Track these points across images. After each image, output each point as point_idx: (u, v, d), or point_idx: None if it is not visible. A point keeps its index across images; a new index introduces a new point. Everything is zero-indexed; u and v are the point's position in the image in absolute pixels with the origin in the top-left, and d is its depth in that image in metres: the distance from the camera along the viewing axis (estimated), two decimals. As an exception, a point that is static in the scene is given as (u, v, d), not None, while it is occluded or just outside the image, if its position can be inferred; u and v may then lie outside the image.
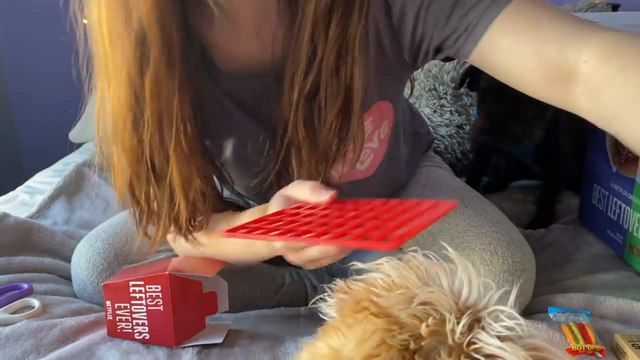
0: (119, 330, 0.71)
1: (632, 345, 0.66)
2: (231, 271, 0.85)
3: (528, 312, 0.80)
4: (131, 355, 0.68)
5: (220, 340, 0.71)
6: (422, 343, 0.34)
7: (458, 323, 0.34)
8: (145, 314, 0.70)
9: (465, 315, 0.35)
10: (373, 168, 0.82)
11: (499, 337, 0.34)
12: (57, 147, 1.65)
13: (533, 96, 0.64)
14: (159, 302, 0.69)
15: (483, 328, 0.34)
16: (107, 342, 0.71)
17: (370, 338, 0.34)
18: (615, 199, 0.97)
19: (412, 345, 0.34)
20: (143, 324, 0.70)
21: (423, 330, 0.34)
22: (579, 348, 0.68)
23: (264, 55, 0.69)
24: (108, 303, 0.71)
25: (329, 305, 0.40)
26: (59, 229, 1.03)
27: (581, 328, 0.71)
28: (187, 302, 0.70)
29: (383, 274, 0.39)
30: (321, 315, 0.40)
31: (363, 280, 0.39)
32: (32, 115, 2.05)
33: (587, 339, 0.69)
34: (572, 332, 0.71)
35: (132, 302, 0.70)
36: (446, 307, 0.35)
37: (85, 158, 1.41)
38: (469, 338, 0.34)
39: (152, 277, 0.69)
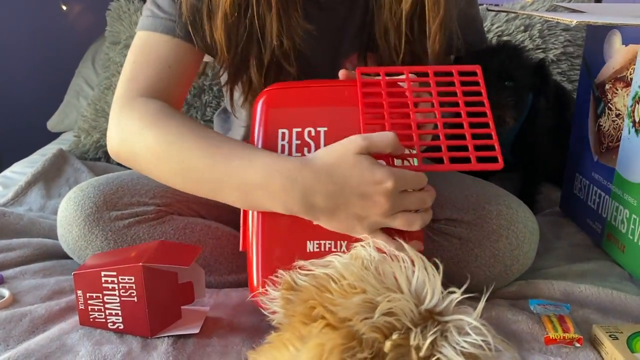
0: (91, 320, 0.70)
1: (610, 336, 0.67)
2: (217, 235, 0.85)
3: (509, 297, 0.80)
4: (103, 345, 0.67)
5: (197, 331, 0.70)
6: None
7: (422, 333, 0.32)
8: (118, 304, 0.68)
9: (430, 329, 0.32)
10: None
11: (463, 354, 0.31)
12: (35, 138, 1.62)
13: None
14: (133, 293, 0.67)
15: (447, 340, 0.32)
16: (78, 331, 0.69)
17: (327, 357, 0.31)
18: (595, 188, 0.97)
19: None
20: (117, 314, 0.69)
21: (386, 346, 0.32)
22: (557, 337, 0.68)
23: None
24: (79, 292, 0.69)
25: (272, 301, 0.37)
26: (32, 215, 1.00)
27: (560, 319, 0.71)
28: (162, 293, 0.69)
29: (334, 271, 0.35)
30: (263, 311, 0.36)
31: (310, 275, 0.36)
32: (9, 105, 2.01)
33: (565, 329, 0.69)
34: (552, 322, 0.71)
35: (105, 292, 0.68)
36: (409, 316, 0.32)
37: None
38: (431, 351, 0.31)
39: (125, 268, 0.67)
